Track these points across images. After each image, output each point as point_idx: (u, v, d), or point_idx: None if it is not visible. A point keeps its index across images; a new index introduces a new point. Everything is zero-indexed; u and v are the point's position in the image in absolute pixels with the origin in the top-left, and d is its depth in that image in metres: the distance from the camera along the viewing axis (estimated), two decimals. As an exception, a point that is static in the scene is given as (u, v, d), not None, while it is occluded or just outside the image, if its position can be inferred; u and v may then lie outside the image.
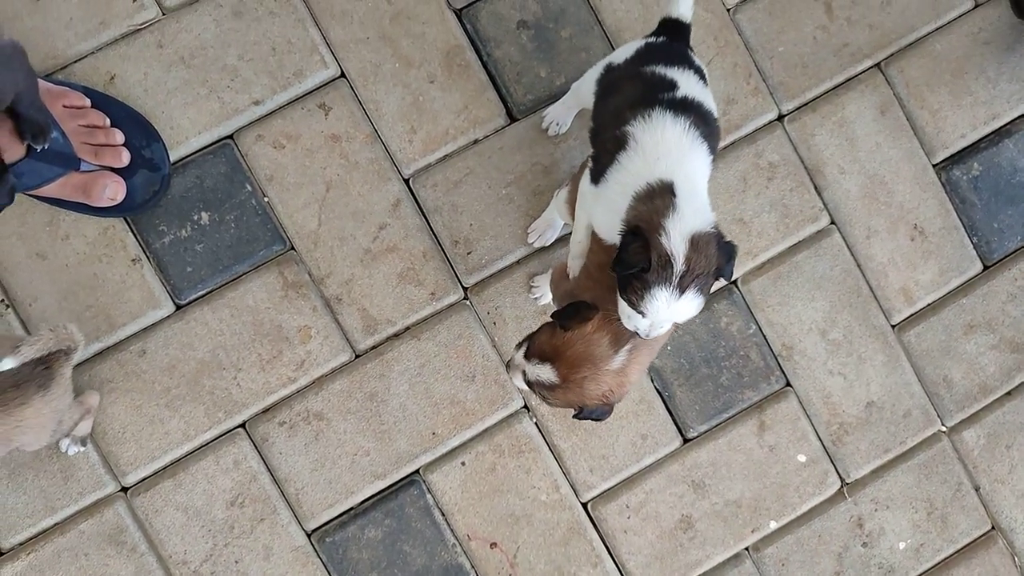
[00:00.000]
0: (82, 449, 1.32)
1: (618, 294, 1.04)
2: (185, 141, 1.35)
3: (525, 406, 1.41)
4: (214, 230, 1.37)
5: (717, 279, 1.04)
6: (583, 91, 1.26)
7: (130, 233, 1.36)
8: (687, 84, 1.12)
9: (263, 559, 1.37)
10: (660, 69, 1.13)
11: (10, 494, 1.33)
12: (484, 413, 1.40)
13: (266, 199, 1.37)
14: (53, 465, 1.33)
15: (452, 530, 1.40)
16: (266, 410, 1.38)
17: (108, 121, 1.31)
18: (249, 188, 1.36)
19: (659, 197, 1.04)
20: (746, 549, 1.45)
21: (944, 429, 1.49)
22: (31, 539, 1.33)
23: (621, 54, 1.19)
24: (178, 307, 1.37)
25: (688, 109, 1.10)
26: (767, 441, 1.45)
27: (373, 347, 1.40)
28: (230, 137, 1.36)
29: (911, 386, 1.48)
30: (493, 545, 1.41)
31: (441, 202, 1.39)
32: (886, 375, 1.47)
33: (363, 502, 1.39)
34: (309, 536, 1.38)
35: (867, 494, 1.47)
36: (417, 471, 1.40)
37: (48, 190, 1.28)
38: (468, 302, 1.40)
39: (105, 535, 1.34)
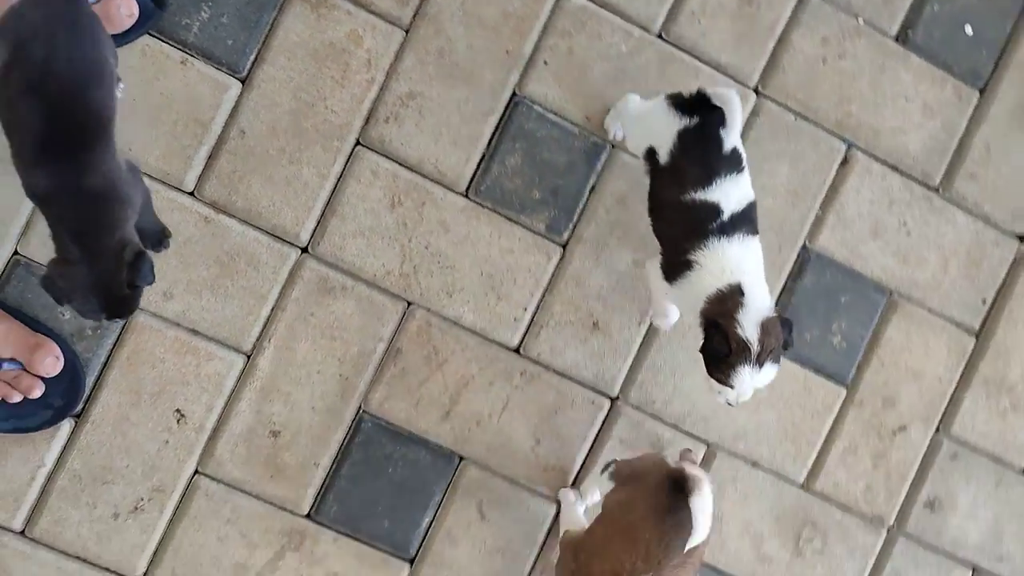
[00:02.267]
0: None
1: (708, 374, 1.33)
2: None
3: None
4: (226, -1, 1.44)
5: (785, 350, 1.33)
6: (632, 140, 1.45)
7: (163, 42, 1.42)
8: (729, 198, 1.32)
9: (444, 232, 1.51)
10: (700, 195, 1.31)
11: (224, 306, 1.46)
12: (539, 10, 1.51)
13: (248, -49, 1.43)
14: (239, 264, 1.45)
15: (571, 120, 1.53)
16: (367, 118, 1.48)
17: None
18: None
19: (730, 299, 1.31)
20: None
21: None
22: (263, 330, 1.47)
23: (660, 138, 1.33)
24: (243, 80, 1.45)
25: (737, 224, 1.32)
26: None
27: (415, 15, 1.49)
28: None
29: None
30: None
31: None
32: None
33: (488, 142, 1.51)
34: (465, 194, 1.52)
35: None
36: (514, 92, 1.52)
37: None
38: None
39: (315, 291, 1.48)
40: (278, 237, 1.47)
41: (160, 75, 1.42)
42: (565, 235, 1.54)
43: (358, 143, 1.48)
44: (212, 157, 1.44)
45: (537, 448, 1.54)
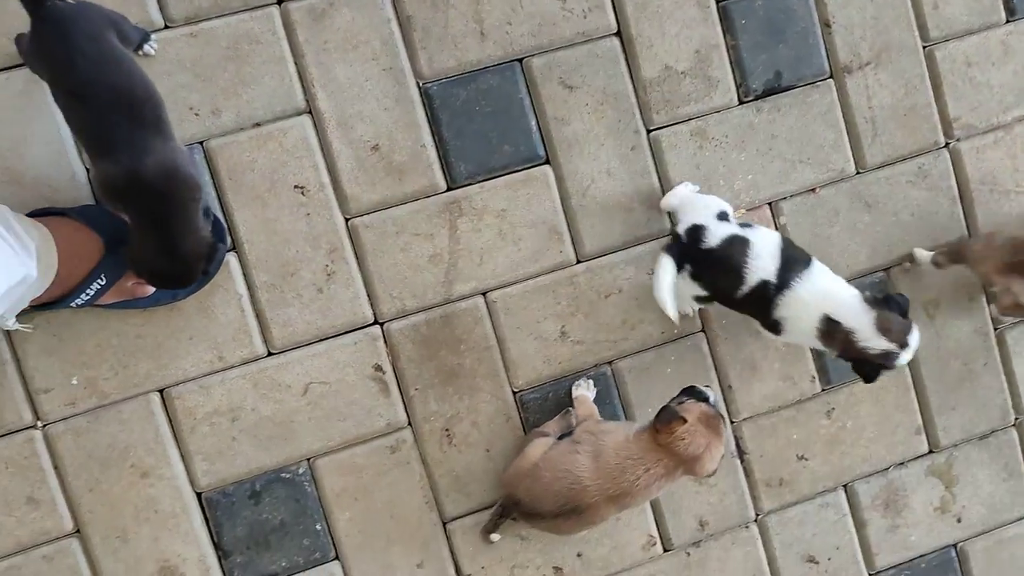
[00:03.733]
0: None
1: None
2: None
3: None
4: None
5: (905, 317, 1.48)
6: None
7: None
8: (764, 269, 1.47)
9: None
10: (744, 290, 1.48)
11: (258, 87, 1.59)
12: None
13: None
14: (243, 48, 1.57)
15: None
16: None
17: None
18: None
19: (837, 332, 1.47)
20: None
21: None
22: (301, 82, 1.61)
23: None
24: None
25: (787, 273, 1.47)
26: None
27: None
28: None
29: None
30: None
31: None
32: None
33: None
34: None
35: None
36: None
37: None
38: None
39: (311, 22, 1.59)
40: (253, 5, 1.56)
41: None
42: None
43: None
44: None
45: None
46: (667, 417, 1.42)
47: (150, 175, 1.29)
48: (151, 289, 1.51)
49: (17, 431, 1.54)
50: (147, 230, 1.34)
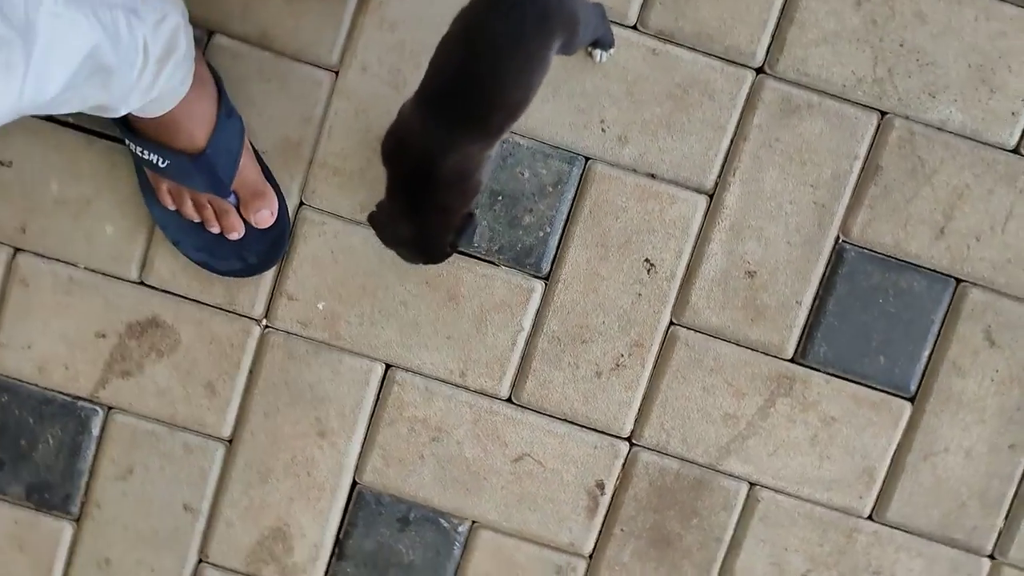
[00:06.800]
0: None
1: None
2: None
3: None
4: None
5: None
6: None
7: None
8: None
9: (921, 24, 1.31)
10: None
11: (681, 144, 1.34)
12: None
13: None
14: (692, 95, 1.34)
15: None
16: (817, -94, 1.31)
17: None
18: None
19: None
20: None
21: None
22: (724, 164, 1.35)
23: None
24: None
25: None
26: None
27: None
28: None
29: None
30: None
31: None
32: None
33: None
34: (940, -23, 1.31)
35: None
36: None
37: None
38: None
39: (777, 113, 1.33)
40: (731, 60, 1.33)
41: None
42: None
43: (810, -62, 1.31)
44: (652, -19, 1.33)
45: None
46: None
47: (443, 168, 1.06)
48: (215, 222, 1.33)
49: (241, 315, 1.39)
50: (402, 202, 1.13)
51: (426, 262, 1.22)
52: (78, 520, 1.43)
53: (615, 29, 1.32)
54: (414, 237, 1.16)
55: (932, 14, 1.31)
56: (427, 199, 1.10)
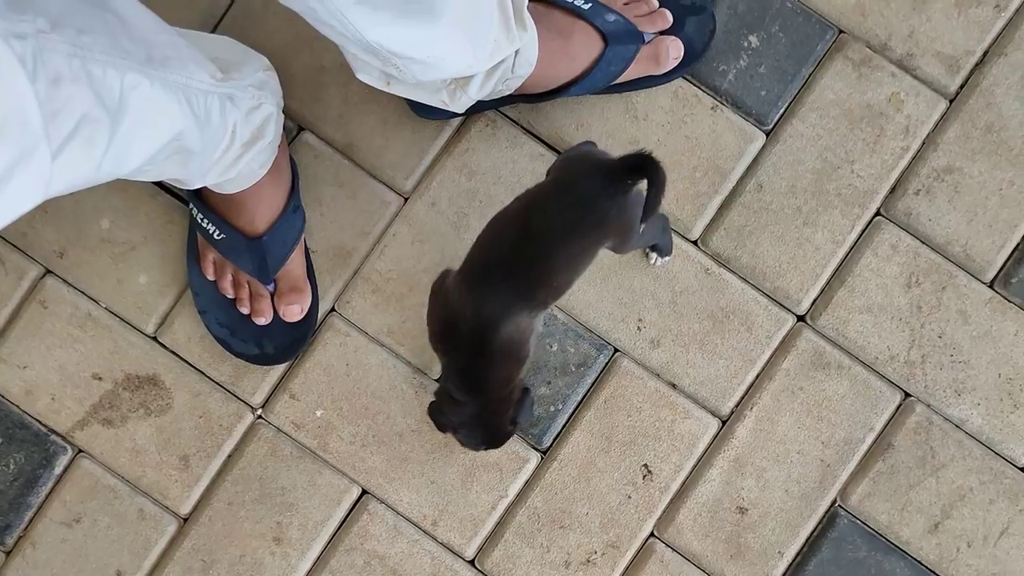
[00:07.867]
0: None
1: None
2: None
3: None
4: (766, 47, 1.38)
5: None
6: None
7: (695, 86, 1.38)
8: None
9: (963, 323, 1.35)
10: None
11: (710, 364, 1.37)
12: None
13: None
14: (732, 322, 1.37)
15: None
16: (894, 188, 1.37)
17: None
18: (780, -6, 1.37)
19: None
20: None
21: None
22: (745, 396, 1.37)
23: None
24: (768, 133, 1.38)
25: None
26: None
27: (964, 84, 1.37)
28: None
29: None
30: None
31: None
32: None
33: (1028, 231, 1.36)
34: (991, 285, 1.36)
35: None
36: (1066, 185, 1.35)
37: (624, 75, 1.32)
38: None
39: (808, 364, 1.36)
40: (777, 301, 1.37)
41: (688, 119, 1.38)
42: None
43: (879, 213, 1.37)
44: (724, 207, 1.37)
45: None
46: None
47: (499, 338, 1.09)
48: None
49: (239, 399, 1.38)
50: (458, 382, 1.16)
51: (488, 447, 1.24)
52: (8, 553, 1.38)
53: (676, 239, 1.37)
54: (476, 415, 1.18)
55: (975, 316, 1.35)
56: (485, 371, 1.12)
